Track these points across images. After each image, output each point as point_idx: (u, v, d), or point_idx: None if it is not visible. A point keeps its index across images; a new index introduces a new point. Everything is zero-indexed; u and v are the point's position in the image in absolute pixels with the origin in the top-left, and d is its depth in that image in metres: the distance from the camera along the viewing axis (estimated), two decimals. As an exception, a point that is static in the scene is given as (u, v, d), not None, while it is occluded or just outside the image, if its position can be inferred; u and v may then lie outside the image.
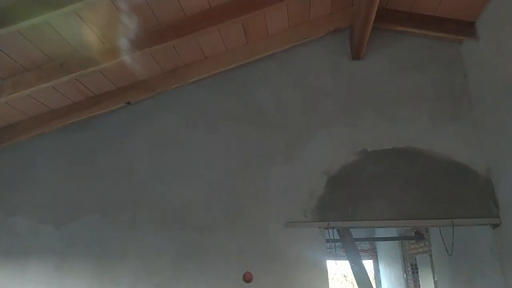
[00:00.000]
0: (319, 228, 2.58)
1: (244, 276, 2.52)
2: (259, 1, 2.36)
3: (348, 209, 2.60)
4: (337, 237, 2.92)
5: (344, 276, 11.90)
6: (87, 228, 2.74)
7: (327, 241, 2.63)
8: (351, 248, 2.97)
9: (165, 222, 2.71)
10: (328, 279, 2.49)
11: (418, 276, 5.07)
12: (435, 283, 4.35)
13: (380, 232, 6.31)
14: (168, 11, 2.31)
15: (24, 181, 2.91)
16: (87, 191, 2.84)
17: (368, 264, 6.93)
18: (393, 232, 5.57)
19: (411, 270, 5.22)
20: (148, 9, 2.23)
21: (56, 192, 2.86)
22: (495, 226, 2.49)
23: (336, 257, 4.99)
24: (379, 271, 6.88)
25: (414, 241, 4.91)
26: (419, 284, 5.03)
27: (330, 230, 2.61)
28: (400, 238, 5.22)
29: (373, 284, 5.58)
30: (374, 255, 6.96)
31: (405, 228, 5.07)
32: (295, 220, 2.61)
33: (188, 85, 2.97)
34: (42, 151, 2.97)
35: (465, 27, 2.71)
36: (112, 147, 2.94)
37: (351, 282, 11.05)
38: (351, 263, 2.94)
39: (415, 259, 5.13)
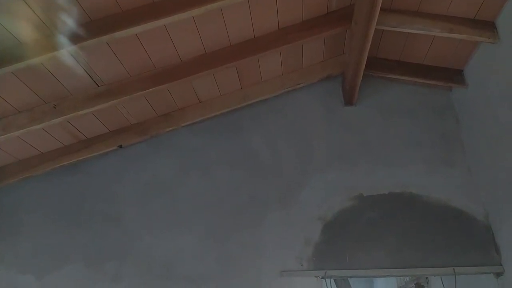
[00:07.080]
0: (316, 277, 2.45)
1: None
2: (253, 47, 2.43)
3: (345, 257, 2.49)
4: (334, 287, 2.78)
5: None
6: (69, 278, 2.57)
7: (324, 291, 2.50)
8: (350, 300, 2.82)
9: (153, 272, 2.55)
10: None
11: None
12: None
13: (378, 284, 6.04)
14: (164, 56, 2.35)
15: (8, 228, 2.76)
16: (72, 238, 2.70)
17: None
18: (392, 284, 5.34)
19: (412, 324, 4.93)
20: (144, 53, 2.27)
21: (40, 239, 2.71)
22: (498, 275, 2.39)
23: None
24: (378, 326, 6.51)
25: (414, 293, 4.69)
26: None
27: (327, 280, 2.48)
28: (400, 290, 4.99)
29: None
30: (372, 310, 6.63)
31: (405, 280, 4.89)
32: (290, 269, 2.49)
33: (181, 129, 2.96)
34: (28, 196, 2.86)
35: (453, 75, 2.78)
36: (101, 192, 2.84)
37: None
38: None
39: (416, 313, 4.87)
